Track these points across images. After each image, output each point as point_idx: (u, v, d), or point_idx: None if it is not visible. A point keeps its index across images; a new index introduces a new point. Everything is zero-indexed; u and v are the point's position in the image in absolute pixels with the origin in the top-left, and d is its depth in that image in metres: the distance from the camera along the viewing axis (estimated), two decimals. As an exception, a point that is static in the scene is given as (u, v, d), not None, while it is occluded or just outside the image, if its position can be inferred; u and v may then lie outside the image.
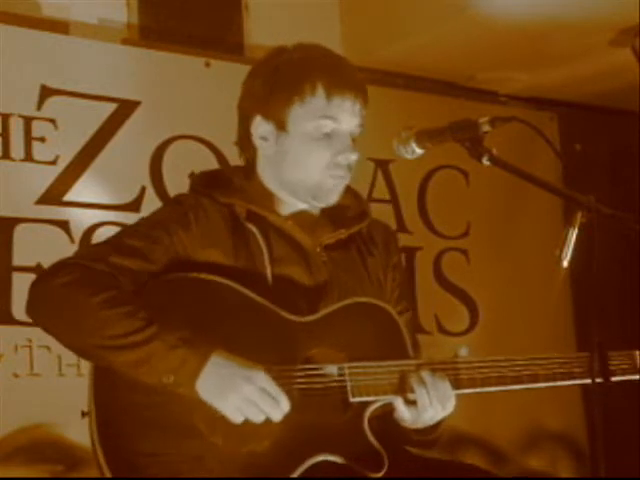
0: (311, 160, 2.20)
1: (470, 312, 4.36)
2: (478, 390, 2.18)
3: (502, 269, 4.44)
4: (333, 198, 2.24)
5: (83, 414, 2.84)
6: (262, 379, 1.98)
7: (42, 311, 2.05)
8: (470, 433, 4.12)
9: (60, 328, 2.04)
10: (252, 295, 2.10)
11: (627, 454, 3.61)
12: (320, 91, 2.18)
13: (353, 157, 2.21)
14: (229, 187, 2.25)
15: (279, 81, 2.21)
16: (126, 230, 2.21)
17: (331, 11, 4.21)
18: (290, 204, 2.27)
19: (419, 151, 2.14)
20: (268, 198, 2.26)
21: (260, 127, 2.23)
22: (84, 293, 2.00)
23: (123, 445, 1.98)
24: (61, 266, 2.06)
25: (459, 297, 4.35)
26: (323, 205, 2.26)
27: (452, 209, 4.39)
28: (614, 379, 2.23)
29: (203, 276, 2.10)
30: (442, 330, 4.22)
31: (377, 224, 2.40)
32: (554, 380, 2.25)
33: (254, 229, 2.19)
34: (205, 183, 2.28)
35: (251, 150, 2.28)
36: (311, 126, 2.19)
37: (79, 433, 3.20)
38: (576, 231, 1.99)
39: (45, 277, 2.07)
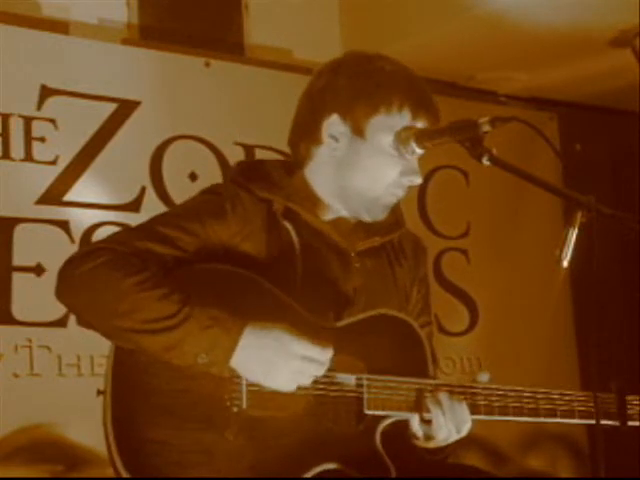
0: (380, 174, 2.17)
1: (470, 312, 4.36)
2: (495, 418, 2.18)
3: (502, 269, 4.44)
4: (384, 215, 2.23)
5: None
6: (298, 346, 1.98)
7: (72, 293, 2.03)
8: (470, 433, 4.11)
9: (91, 311, 2.02)
10: (280, 294, 2.08)
11: (627, 454, 3.61)
12: (407, 109, 2.16)
13: (418, 181, 2.19)
14: (268, 181, 2.21)
15: (368, 87, 2.17)
16: (159, 218, 2.15)
17: (331, 11, 4.21)
18: (332, 209, 2.24)
19: (419, 151, 2.14)
20: (310, 198, 2.22)
21: (334, 126, 2.18)
22: (116, 276, 1.97)
23: (135, 428, 1.97)
24: (91, 249, 2.04)
25: (459, 297, 4.35)
26: (371, 220, 2.23)
27: (452, 209, 4.39)
28: (632, 424, 2.25)
29: (232, 268, 2.08)
30: (442, 330, 4.22)
31: (408, 235, 2.38)
32: (572, 417, 2.25)
33: (289, 227, 2.16)
34: (244, 175, 2.23)
35: (308, 146, 2.23)
36: (389, 140, 2.15)
37: (79, 433, 3.21)
38: (576, 231, 1.98)
39: (76, 260, 2.03)
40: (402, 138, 2.13)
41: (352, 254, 2.22)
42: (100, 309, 2.00)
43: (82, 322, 2.07)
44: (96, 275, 1.99)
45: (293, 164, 2.27)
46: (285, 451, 2.02)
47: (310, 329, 2.07)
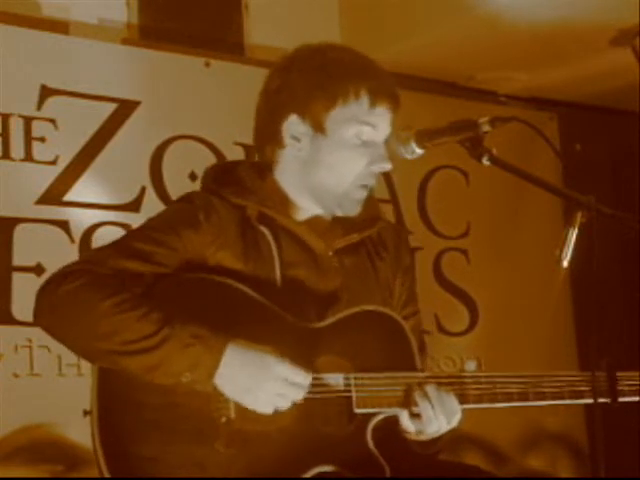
0: (347, 167, 2.15)
1: (470, 312, 4.36)
2: (484, 406, 2.16)
3: (502, 269, 4.44)
4: (357, 209, 2.20)
5: (85, 413, 2.85)
6: (282, 369, 1.97)
7: (51, 317, 2.01)
8: (470, 433, 4.12)
9: (70, 334, 2.00)
10: (261, 299, 2.07)
11: (627, 454, 3.61)
12: (364, 97, 2.14)
13: (387, 166, 2.18)
14: (241, 186, 2.19)
15: (322, 80, 2.15)
16: (134, 232, 2.15)
17: (331, 11, 4.20)
18: (305, 209, 2.22)
19: (419, 151, 2.13)
20: (282, 201, 2.20)
21: (294, 126, 2.17)
22: (94, 298, 1.96)
23: (124, 447, 1.96)
24: (68, 271, 2.02)
25: (459, 297, 4.35)
26: (344, 215, 2.21)
27: (452, 209, 4.39)
28: (622, 399, 2.23)
29: (211, 277, 2.07)
30: (442, 330, 4.22)
31: (388, 227, 2.36)
32: (562, 398, 2.21)
33: (265, 231, 2.15)
34: (216, 180, 2.22)
35: (273, 148, 2.21)
36: (351, 131, 2.14)
37: (79, 433, 3.20)
38: (576, 231, 1.98)
39: (52, 283, 2.01)
40: (402, 138, 2.12)
41: (330, 253, 2.21)
42: (79, 332, 1.98)
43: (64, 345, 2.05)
44: (74, 298, 1.97)
45: (264, 167, 2.25)
46: (277, 457, 2.01)
47: (293, 332, 2.07)
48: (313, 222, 2.23)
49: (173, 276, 2.07)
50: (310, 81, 2.16)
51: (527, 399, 2.19)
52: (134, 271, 2.03)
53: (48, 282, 2.03)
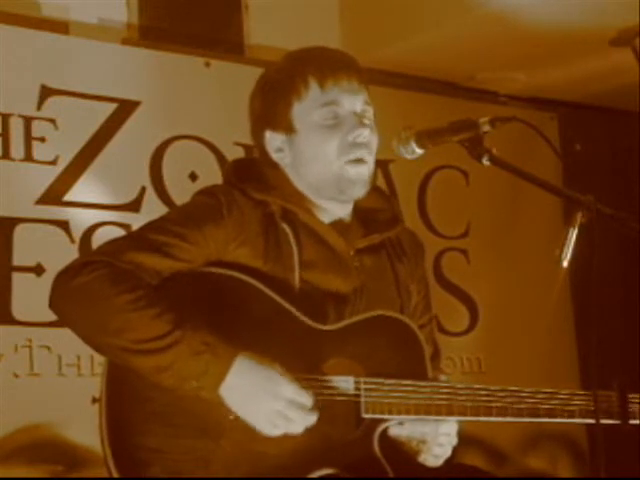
0: (324, 148, 2.15)
1: (470, 312, 4.36)
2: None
3: (502, 269, 4.44)
4: (360, 189, 2.18)
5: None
6: (289, 390, 1.96)
7: (65, 305, 2.01)
8: (470, 433, 4.12)
9: (83, 325, 2.01)
10: (276, 298, 2.06)
11: (627, 454, 3.61)
12: (313, 84, 2.17)
13: (364, 132, 2.17)
14: (263, 181, 2.20)
15: (273, 90, 2.21)
16: (154, 224, 2.12)
17: (331, 11, 4.21)
18: (325, 211, 2.21)
19: (419, 151, 2.13)
20: (303, 199, 2.20)
21: (272, 140, 2.21)
22: (110, 292, 1.96)
23: (130, 436, 1.96)
24: (87, 261, 2.02)
25: (459, 297, 4.35)
26: (350, 199, 2.20)
27: (452, 209, 4.40)
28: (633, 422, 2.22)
29: (229, 272, 2.06)
30: (442, 330, 4.21)
31: (406, 232, 2.36)
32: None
33: (287, 229, 2.14)
34: (239, 175, 2.22)
35: (272, 162, 2.23)
36: (315, 116, 2.16)
37: (79, 433, 3.21)
38: (576, 231, 1.98)
39: (71, 270, 2.01)
40: (402, 138, 2.12)
41: (351, 253, 2.21)
42: (92, 324, 1.99)
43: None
44: (91, 290, 1.98)
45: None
46: (282, 457, 2.00)
47: (305, 332, 2.07)
48: (335, 223, 2.23)
49: (188, 270, 2.06)
50: (264, 97, 2.24)
51: (538, 415, 2.20)
52: (152, 264, 2.02)
53: (66, 270, 2.03)
